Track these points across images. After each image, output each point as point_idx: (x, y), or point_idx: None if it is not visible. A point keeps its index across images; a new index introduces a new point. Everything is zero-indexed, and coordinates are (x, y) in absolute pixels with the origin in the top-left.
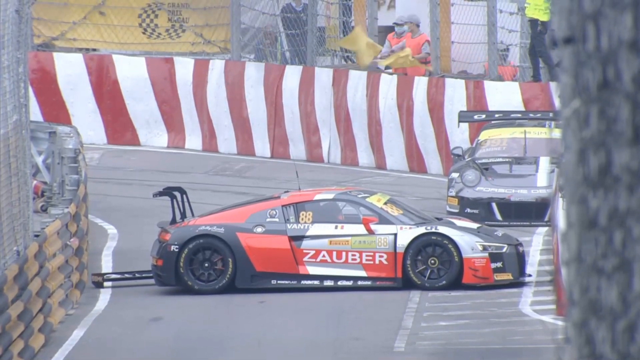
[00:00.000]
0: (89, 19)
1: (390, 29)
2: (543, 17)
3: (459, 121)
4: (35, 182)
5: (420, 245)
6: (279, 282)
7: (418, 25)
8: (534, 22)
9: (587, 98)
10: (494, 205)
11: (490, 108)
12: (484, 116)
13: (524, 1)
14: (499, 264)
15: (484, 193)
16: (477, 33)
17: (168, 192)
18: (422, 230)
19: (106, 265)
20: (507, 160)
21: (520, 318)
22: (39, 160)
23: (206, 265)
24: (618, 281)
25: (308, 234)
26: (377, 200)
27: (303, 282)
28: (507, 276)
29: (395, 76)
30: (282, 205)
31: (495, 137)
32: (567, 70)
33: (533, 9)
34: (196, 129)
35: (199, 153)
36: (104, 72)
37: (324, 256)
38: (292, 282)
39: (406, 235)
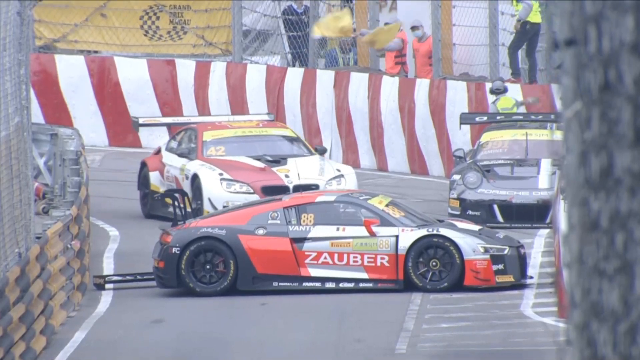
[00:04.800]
0: (91, 21)
1: None
2: (535, 19)
3: (461, 123)
4: (36, 184)
5: (421, 248)
6: (280, 284)
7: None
8: (524, 22)
9: (588, 100)
10: (495, 207)
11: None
12: (485, 118)
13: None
14: (501, 266)
15: (485, 195)
16: (478, 35)
17: (169, 194)
18: (423, 232)
19: (108, 267)
20: (508, 162)
21: (521, 320)
22: (41, 162)
23: (208, 267)
24: (619, 283)
25: (310, 236)
26: (378, 202)
27: (305, 284)
28: (508, 278)
29: (396, 78)
30: (284, 207)
31: (497, 139)
32: (569, 72)
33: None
34: None
35: None
36: (105, 74)
37: (325, 258)
38: (294, 284)
39: (408, 237)
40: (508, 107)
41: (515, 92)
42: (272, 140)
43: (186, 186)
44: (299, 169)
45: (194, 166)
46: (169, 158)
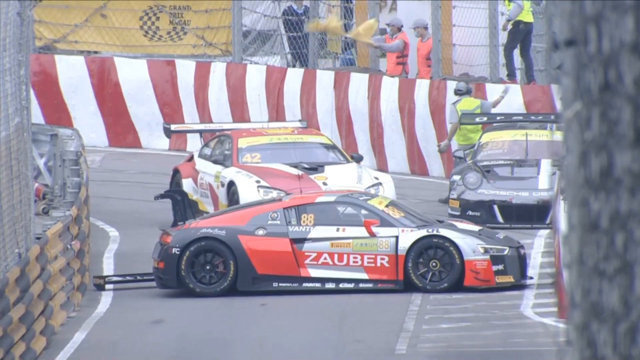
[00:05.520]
0: (91, 21)
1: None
2: (527, 18)
3: (461, 123)
4: (36, 184)
5: (421, 248)
6: (280, 284)
7: (426, 28)
8: (517, 22)
9: (588, 100)
10: (495, 207)
11: (492, 110)
12: (485, 118)
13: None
14: (501, 267)
15: (485, 195)
16: (478, 35)
17: (169, 194)
18: (423, 232)
19: (108, 267)
20: (508, 162)
21: (521, 320)
22: (41, 162)
23: (207, 267)
24: (619, 284)
25: (309, 236)
26: (378, 203)
27: (304, 284)
28: (508, 279)
29: (397, 78)
30: (284, 208)
31: (497, 140)
32: (569, 72)
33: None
34: None
35: None
36: (105, 74)
37: (325, 259)
38: (294, 284)
39: (408, 237)
40: (469, 109)
41: (515, 92)
42: (308, 148)
43: (222, 193)
44: (337, 177)
45: (229, 173)
46: (202, 165)
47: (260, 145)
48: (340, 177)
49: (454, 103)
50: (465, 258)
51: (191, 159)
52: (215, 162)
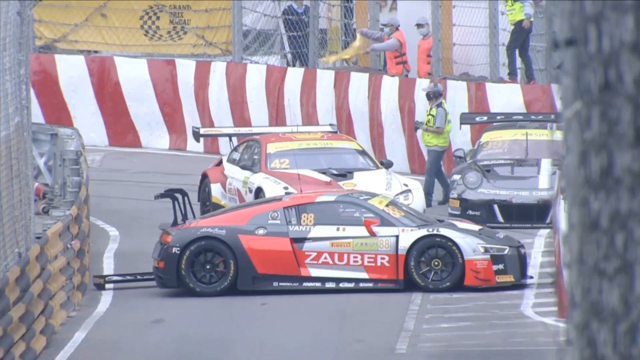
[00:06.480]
0: (91, 20)
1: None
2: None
3: (461, 123)
4: (36, 184)
5: (422, 248)
6: (280, 284)
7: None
8: (519, 21)
9: (588, 100)
10: (495, 207)
11: (492, 110)
12: (485, 118)
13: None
14: (501, 266)
15: (485, 195)
16: (478, 35)
17: (170, 194)
18: (423, 232)
19: (108, 267)
20: (508, 162)
21: (521, 320)
22: (41, 162)
23: (208, 267)
24: (619, 283)
25: (310, 236)
26: (378, 202)
27: (305, 284)
28: (508, 278)
29: (397, 78)
30: (284, 207)
31: (497, 139)
32: (569, 72)
33: (519, 12)
34: None
35: (200, 155)
36: (105, 73)
37: (325, 258)
38: (294, 284)
39: (408, 237)
40: (447, 110)
41: (515, 92)
42: (338, 153)
43: (249, 199)
44: (366, 183)
45: (257, 179)
46: (231, 170)
47: (289, 151)
48: (369, 184)
49: (440, 105)
50: (466, 257)
51: (220, 163)
52: (244, 167)
